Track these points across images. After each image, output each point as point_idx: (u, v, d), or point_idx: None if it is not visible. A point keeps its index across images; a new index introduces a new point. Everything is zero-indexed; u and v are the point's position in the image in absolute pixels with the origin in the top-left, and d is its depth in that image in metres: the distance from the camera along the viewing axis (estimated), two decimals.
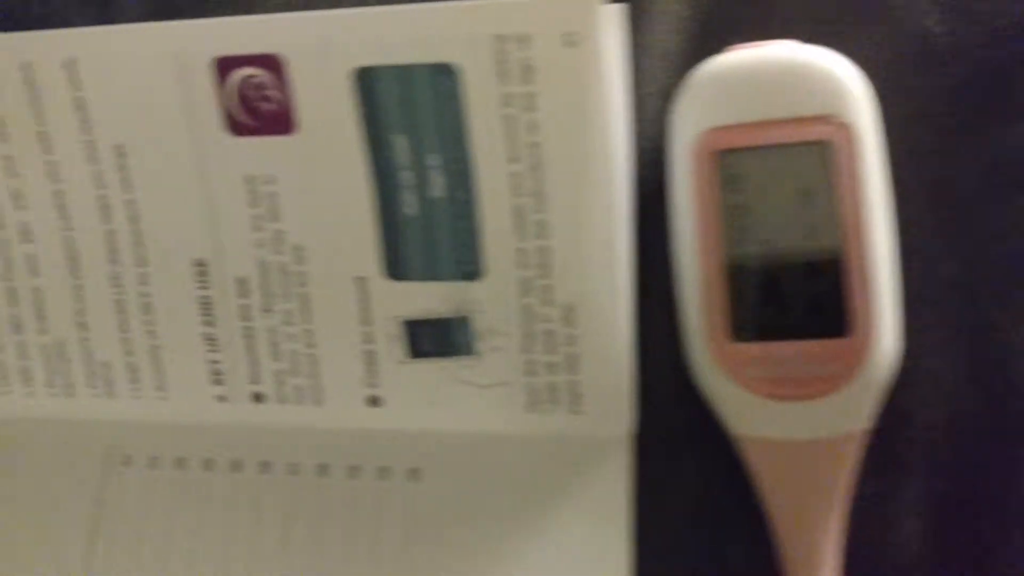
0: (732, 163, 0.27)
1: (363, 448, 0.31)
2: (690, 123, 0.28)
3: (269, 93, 0.28)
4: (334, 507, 0.30)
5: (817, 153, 0.27)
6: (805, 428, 0.27)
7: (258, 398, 0.31)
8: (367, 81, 0.27)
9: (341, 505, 0.30)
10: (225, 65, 0.28)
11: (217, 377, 0.31)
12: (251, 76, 0.28)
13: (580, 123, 0.26)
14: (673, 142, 0.28)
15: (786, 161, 0.27)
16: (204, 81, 0.29)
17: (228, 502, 0.31)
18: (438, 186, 0.28)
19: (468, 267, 0.29)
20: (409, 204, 0.28)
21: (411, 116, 0.28)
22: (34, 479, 0.32)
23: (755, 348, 0.27)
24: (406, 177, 0.28)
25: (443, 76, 0.27)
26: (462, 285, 0.29)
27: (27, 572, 0.32)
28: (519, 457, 0.30)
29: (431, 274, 0.29)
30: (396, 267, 0.29)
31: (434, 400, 0.30)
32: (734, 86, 0.27)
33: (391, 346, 0.30)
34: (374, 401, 0.31)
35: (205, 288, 0.31)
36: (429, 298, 0.29)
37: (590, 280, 0.28)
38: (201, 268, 0.31)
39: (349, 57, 0.27)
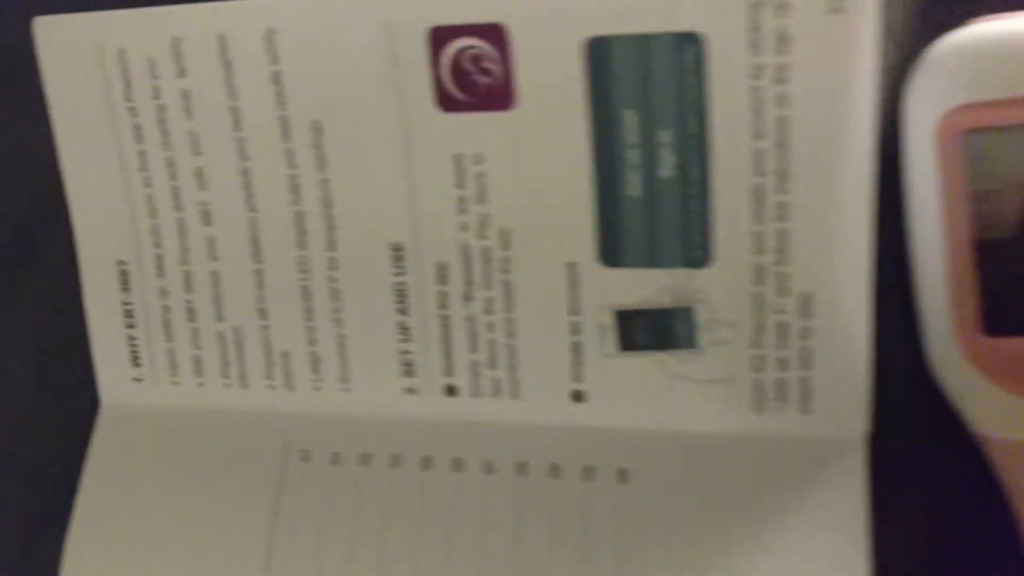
0: (981, 144, 0.25)
1: (566, 446, 0.28)
2: (932, 101, 0.25)
3: (488, 65, 0.26)
4: (535, 508, 0.28)
5: None
6: None
7: (451, 391, 0.29)
8: (599, 51, 0.25)
9: (542, 506, 0.28)
10: (441, 35, 0.26)
11: (408, 368, 0.29)
12: (469, 47, 0.26)
13: (838, 97, 0.24)
14: (910, 121, 0.26)
15: None
16: (417, 53, 0.26)
17: (418, 502, 0.29)
18: (668, 165, 0.26)
19: (694, 253, 0.26)
20: (633, 184, 0.26)
21: (645, 89, 0.25)
22: (207, 473, 0.30)
23: (1012, 343, 0.25)
24: (633, 155, 0.26)
25: (687, 46, 0.25)
26: (686, 272, 0.26)
27: (202, 572, 0.29)
28: (740, 460, 0.27)
29: (651, 260, 0.27)
30: (612, 253, 0.27)
31: (645, 397, 0.28)
32: (982, 60, 0.25)
33: (600, 338, 0.27)
34: (578, 396, 0.28)
35: (401, 274, 0.28)
36: (647, 286, 0.27)
37: (831, 268, 0.25)
38: (398, 253, 0.28)
39: (582, 26, 0.25)
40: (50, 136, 0.30)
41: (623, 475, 0.27)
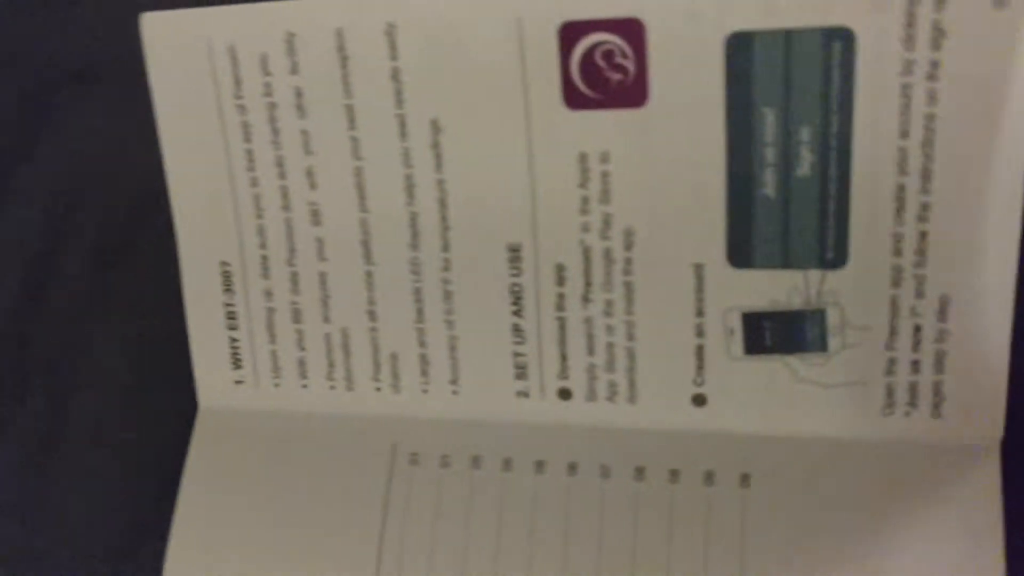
0: None
1: (685, 451, 0.26)
2: None
3: (621, 62, 0.24)
4: (653, 512, 0.26)
5: None
6: None
7: (564, 394, 0.27)
8: (740, 47, 0.23)
9: (662, 511, 0.26)
10: (574, 30, 0.24)
11: (520, 371, 0.27)
12: (602, 43, 0.24)
13: (991, 94, 0.22)
14: None
15: None
16: (546, 48, 0.24)
17: (532, 505, 0.26)
18: (806, 164, 0.24)
19: (829, 254, 0.24)
20: (768, 184, 0.24)
21: (786, 86, 0.23)
22: (312, 478, 0.28)
23: None
24: (769, 154, 0.24)
25: (837, 41, 0.22)
26: (819, 273, 0.24)
27: None
28: (867, 465, 0.25)
29: (783, 262, 0.24)
30: (742, 253, 0.25)
31: (770, 400, 0.25)
32: None
33: (726, 340, 0.25)
34: (699, 400, 0.26)
35: (517, 275, 0.26)
36: (777, 288, 0.25)
37: (972, 270, 0.23)
38: (515, 253, 0.26)
39: (725, 20, 0.23)
40: (154, 133, 0.27)
41: (745, 480, 0.25)
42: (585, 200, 0.25)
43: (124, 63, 0.28)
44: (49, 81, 0.30)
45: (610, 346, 0.26)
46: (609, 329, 0.26)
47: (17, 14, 0.30)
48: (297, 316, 0.28)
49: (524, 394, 0.27)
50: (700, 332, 0.25)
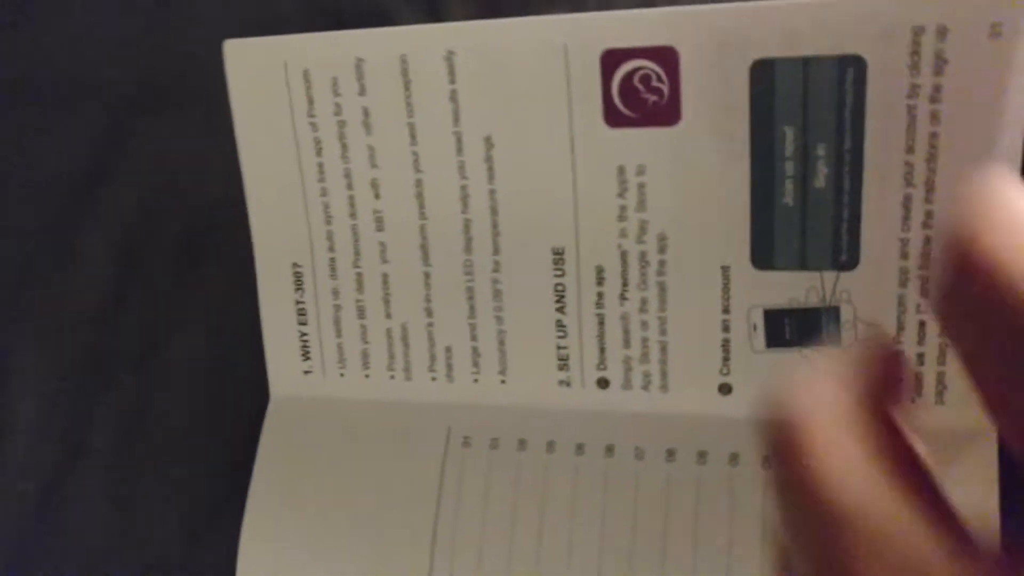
0: None
1: (711, 434, 0.28)
2: None
3: (656, 85, 0.26)
4: (684, 491, 0.28)
5: None
6: None
7: (602, 384, 0.29)
8: (763, 73, 0.25)
9: (690, 488, 0.28)
10: (614, 58, 0.26)
11: (562, 363, 0.29)
12: (640, 68, 0.26)
13: (988, 114, 0.24)
14: None
15: None
16: (589, 73, 0.26)
17: (572, 483, 0.28)
18: (822, 176, 0.26)
19: (843, 256, 0.26)
20: (788, 194, 0.26)
21: (804, 107, 0.25)
22: (374, 459, 0.30)
23: None
24: (789, 167, 0.26)
25: (850, 68, 0.24)
26: (833, 274, 0.26)
27: (372, 551, 0.29)
28: None
29: (800, 264, 0.26)
30: (764, 256, 0.27)
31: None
32: None
33: (749, 335, 0.27)
34: (724, 389, 0.28)
35: (560, 276, 0.28)
36: (796, 287, 0.27)
37: None
38: (558, 256, 0.28)
39: (750, 49, 0.25)
40: (231, 148, 0.30)
41: (766, 461, 0.27)
42: (623, 208, 0.27)
43: (203, 84, 0.30)
44: (135, 99, 0.33)
45: (644, 340, 0.28)
46: (644, 324, 0.28)
47: (105, 40, 0.32)
48: (361, 312, 0.30)
49: (566, 383, 0.29)
50: (726, 327, 0.27)
